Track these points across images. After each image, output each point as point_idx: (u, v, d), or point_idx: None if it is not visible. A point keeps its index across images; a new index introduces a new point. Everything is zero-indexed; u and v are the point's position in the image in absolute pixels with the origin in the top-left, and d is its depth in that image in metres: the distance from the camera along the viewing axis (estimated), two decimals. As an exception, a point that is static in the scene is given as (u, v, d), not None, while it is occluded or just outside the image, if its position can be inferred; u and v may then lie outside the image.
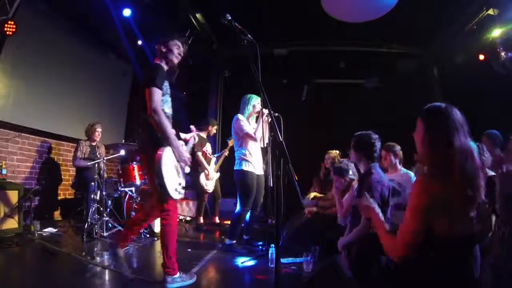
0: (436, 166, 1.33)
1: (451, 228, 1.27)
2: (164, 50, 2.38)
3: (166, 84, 2.30)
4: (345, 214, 2.80)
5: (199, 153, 4.80)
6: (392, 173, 3.18)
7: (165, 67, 2.38)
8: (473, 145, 1.42)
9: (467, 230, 1.30)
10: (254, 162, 3.44)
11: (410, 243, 1.29)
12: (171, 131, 2.23)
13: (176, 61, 2.40)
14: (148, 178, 2.51)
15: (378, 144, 2.33)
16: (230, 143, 4.92)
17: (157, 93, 2.17)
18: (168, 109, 2.35)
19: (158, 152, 2.14)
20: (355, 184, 2.98)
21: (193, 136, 2.68)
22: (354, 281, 1.60)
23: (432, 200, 1.28)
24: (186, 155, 2.35)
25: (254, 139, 3.40)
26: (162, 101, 2.26)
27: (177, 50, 2.39)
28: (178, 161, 2.31)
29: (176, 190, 2.22)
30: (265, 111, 3.25)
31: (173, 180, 2.21)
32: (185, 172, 2.44)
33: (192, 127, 2.68)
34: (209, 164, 4.94)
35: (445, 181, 1.27)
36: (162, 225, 2.30)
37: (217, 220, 5.12)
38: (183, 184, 2.32)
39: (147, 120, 2.19)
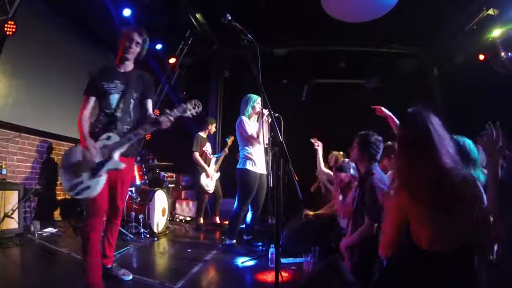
0: (403, 174, 1.33)
1: (435, 242, 1.25)
2: (118, 45, 2.36)
3: (105, 85, 2.26)
4: (348, 214, 2.80)
5: (196, 153, 4.80)
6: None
7: (121, 65, 2.36)
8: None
9: (454, 243, 1.26)
10: (257, 161, 3.46)
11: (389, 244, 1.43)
12: (85, 131, 2.18)
13: (130, 55, 2.34)
14: None
15: (381, 146, 2.34)
16: (230, 142, 4.93)
17: (84, 101, 2.25)
18: (109, 109, 2.28)
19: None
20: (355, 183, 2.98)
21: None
22: (355, 282, 1.59)
23: (404, 215, 1.31)
24: (91, 147, 2.12)
25: (258, 141, 3.43)
26: (104, 103, 2.26)
27: (128, 43, 2.32)
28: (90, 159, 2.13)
29: (73, 189, 2.09)
30: (265, 111, 3.26)
31: (69, 179, 2.11)
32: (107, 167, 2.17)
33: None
34: (208, 165, 4.94)
35: (412, 190, 1.26)
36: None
37: (217, 220, 5.11)
38: (90, 183, 2.12)
39: None
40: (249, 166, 3.41)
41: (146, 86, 2.44)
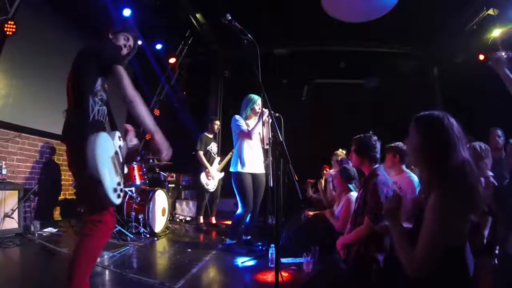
0: (438, 179, 1.28)
1: (453, 239, 1.24)
2: (111, 37, 2.06)
3: (99, 83, 1.92)
4: (343, 226, 2.80)
5: (200, 152, 4.80)
6: (395, 175, 3.09)
7: None
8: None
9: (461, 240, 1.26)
10: (250, 161, 3.45)
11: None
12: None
13: (123, 52, 2.07)
14: (75, 176, 1.92)
15: (379, 146, 2.33)
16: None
17: (123, 71, 1.84)
18: (101, 116, 1.92)
19: (91, 137, 1.61)
20: (350, 196, 3.00)
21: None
22: (353, 281, 1.59)
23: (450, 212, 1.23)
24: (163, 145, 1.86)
25: (249, 137, 3.41)
26: (95, 103, 1.90)
27: (124, 42, 2.06)
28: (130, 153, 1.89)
29: (115, 191, 1.64)
30: (266, 111, 3.26)
31: (111, 177, 1.64)
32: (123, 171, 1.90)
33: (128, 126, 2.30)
34: (211, 164, 4.92)
35: (450, 192, 1.24)
36: (82, 236, 1.72)
37: (213, 220, 5.10)
38: (122, 185, 1.77)
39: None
40: (239, 167, 3.42)
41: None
